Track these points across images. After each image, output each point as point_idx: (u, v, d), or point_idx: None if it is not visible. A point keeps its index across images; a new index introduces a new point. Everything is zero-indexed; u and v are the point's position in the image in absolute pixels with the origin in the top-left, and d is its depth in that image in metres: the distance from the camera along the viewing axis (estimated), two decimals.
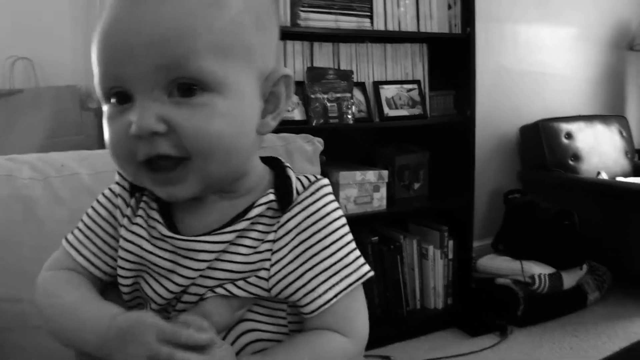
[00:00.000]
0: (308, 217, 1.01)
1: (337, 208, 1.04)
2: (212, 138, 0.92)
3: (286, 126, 1.83)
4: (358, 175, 3.58)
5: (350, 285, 1.01)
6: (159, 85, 0.90)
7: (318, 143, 1.92)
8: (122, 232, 1.04)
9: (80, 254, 1.08)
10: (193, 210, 1.03)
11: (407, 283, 3.90)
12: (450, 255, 4.04)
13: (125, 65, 0.90)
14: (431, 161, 4.17)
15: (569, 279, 4.10)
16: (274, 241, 0.99)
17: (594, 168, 4.91)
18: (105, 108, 0.96)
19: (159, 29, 0.89)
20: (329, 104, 3.47)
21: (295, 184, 1.05)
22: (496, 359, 3.55)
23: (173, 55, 0.89)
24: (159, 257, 1.00)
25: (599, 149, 5.01)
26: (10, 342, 1.42)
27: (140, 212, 1.04)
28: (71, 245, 1.09)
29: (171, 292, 1.00)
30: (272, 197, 1.01)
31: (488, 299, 4.04)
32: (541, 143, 4.80)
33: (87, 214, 1.11)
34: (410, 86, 3.88)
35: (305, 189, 1.04)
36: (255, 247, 0.99)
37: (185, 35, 0.89)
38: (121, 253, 1.03)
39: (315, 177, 1.08)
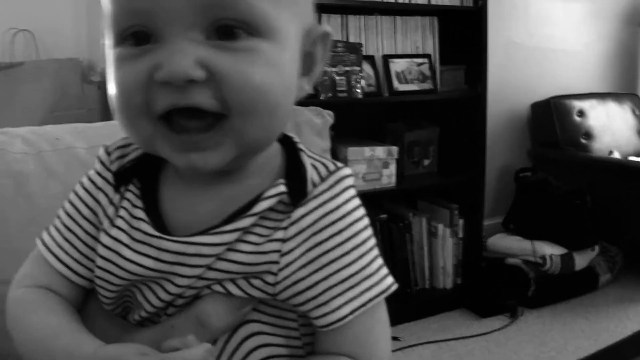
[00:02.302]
0: (325, 215, 0.84)
1: (360, 206, 0.87)
2: (257, 90, 0.76)
3: None
4: (367, 151, 3.53)
5: (370, 300, 0.86)
6: (197, 25, 0.75)
7: (328, 116, 1.83)
8: (102, 237, 0.88)
9: (59, 260, 0.92)
10: (185, 198, 0.87)
11: (415, 262, 3.86)
12: (460, 234, 3.99)
13: (153, 1, 0.74)
14: (441, 137, 4.11)
15: (581, 260, 4.08)
16: (283, 240, 0.83)
17: (606, 147, 4.85)
18: (115, 51, 0.80)
19: None
20: (337, 78, 3.40)
21: (311, 173, 0.88)
22: (506, 341, 3.53)
23: None
24: (143, 266, 0.84)
25: (611, 127, 4.95)
26: None
27: (122, 212, 0.88)
28: (48, 249, 0.93)
29: (162, 300, 0.86)
30: (282, 187, 0.84)
31: (498, 279, 4.01)
32: (553, 120, 4.73)
33: (65, 211, 0.94)
34: (420, 60, 3.81)
35: (322, 179, 0.87)
36: (259, 245, 0.83)
37: None
38: (99, 262, 0.88)
39: (335, 164, 0.90)
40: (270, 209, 0.84)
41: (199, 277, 0.83)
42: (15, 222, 1.36)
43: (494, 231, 4.34)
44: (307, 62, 0.88)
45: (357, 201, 0.87)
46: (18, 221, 1.36)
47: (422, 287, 3.94)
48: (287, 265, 0.83)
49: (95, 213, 0.91)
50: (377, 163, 3.56)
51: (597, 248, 4.18)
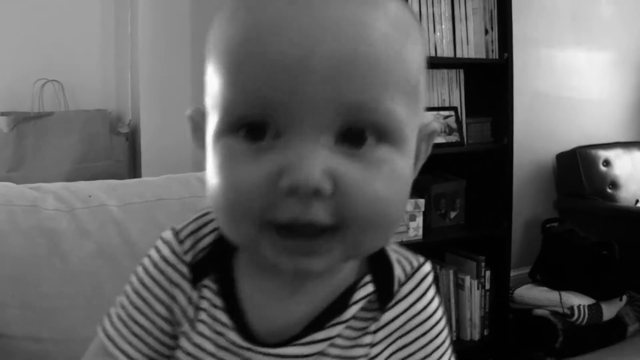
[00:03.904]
0: (413, 317, 0.81)
1: (440, 304, 0.85)
2: (382, 205, 0.69)
3: None
4: None
5: None
6: (329, 127, 0.67)
7: None
8: (183, 342, 0.81)
9: (129, 357, 0.82)
10: (268, 294, 0.80)
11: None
12: (487, 286, 3.94)
13: (290, 90, 0.66)
14: (468, 189, 4.08)
15: (609, 310, 4.02)
16: (371, 345, 0.80)
17: (632, 196, 4.83)
18: (223, 141, 0.71)
19: (351, 49, 0.66)
20: None
21: (397, 269, 0.83)
22: None
23: (363, 90, 0.66)
24: None
25: (637, 177, 4.93)
26: None
27: (202, 315, 0.80)
28: (115, 344, 0.83)
29: None
30: (371, 287, 0.80)
31: (525, 331, 3.97)
32: (579, 170, 4.72)
33: (132, 303, 0.83)
34: (447, 113, 3.81)
35: (407, 277, 0.83)
36: (348, 349, 0.79)
37: (384, 65, 0.67)
38: None
39: (418, 260, 0.86)
40: (359, 312, 0.80)
41: None
42: (49, 281, 1.36)
43: (520, 282, 4.28)
44: (416, 155, 0.79)
45: (438, 300, 0.85)
46: (52, 280, 1.36)
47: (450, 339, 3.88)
48: None
49: (170, 311, 0.82)
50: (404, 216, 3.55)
51: (624, 298, 4.12)
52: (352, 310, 0.79)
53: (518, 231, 4.56)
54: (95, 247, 1.42)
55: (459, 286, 3.88)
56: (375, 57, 0.67)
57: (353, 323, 0.79)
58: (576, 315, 3.88)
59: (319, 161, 0.65)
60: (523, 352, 3.83)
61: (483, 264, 3.91)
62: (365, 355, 0.79)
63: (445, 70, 3.87)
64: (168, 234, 0.85)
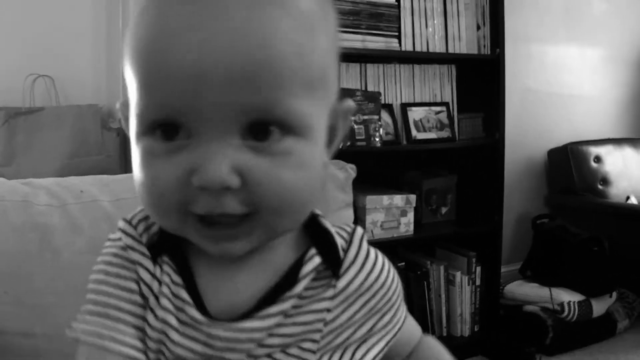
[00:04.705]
0: (367, 276, 0.89)
1: (382, 256, 0.94)
2: (289, 192, 0.76)
3: None
4: (385, 199, 3.52)
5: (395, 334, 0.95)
6: (234, 127, 0.73)
7: (351, 170, 1.83)
8: (149, 317, 0.83)
9: (124, 344, 0.82)
10: (220, 272, 0.85)
11: (433, 309, 3.84)
12: (478, 282, 3.96)
13: (192, 97, 0.71)
14: (459, 185, 4.11)
15: (599, 307, 4.04)
16: (328, 310, 0.85)
17: (623, 192, 4.83)
18: (142, 141, 0.78)
19: (247, 55, 0.71)
20: (356, 126, 3.40)
21: (337, 238, 0.90)
22: None
23: (264, 93, 0.72)
24: (192, 351, 0.81)
25: (628, 173, 4.94)
26: None
27: (164, 289, 0.83)
28: (100, 336, 0.82)
29: None
30: (317, 259, 0.86)
31: (516, 327, 3.99)
32: (570, 167, 4.73)
33: (103, 292, 0.85)
34: (438, 108, 3.83)
35: (348, 243, 0.90)
36: (303, 316, 0.84)
37: (279, 67, 0.72)
38: (150, 344, 0.83)
39: (348, 225, 0.94)
40: (310, 283, 0.85)
41: (248, 355, 0.82)
42: (40, 277, 1.37)
43: (511, 278, 4.30)
44: (330, 134, 0.86)
45: (378, 253, 0.94)
46: (43, 275, 1.37)
47: (440, 335, 3.89)
48: (331, 331, 0.86)
49: (140, 290, 0.84)
50: (395, 211, 3.56)
51: (614, 294, 4.14)
52: (303, 283, 0.84)
53: (509, 227, 4.57)
54: (87, 243, 1.42)
55: (450, 282, 3.89)
56: (270, 61, 0.72)
57: (305, 293, 0.85)
58: (566, 312, 3.89)
59: (226, 159, 0.72)
60: (513, 348, 3.83)
61: (474, 260, 3.92)
62: (321, 320, 0.85)
63: (437, 66, 3.88)
64: (121, 223, 0.90)
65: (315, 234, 0.90)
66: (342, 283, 0.87)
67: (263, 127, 0.74)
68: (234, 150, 0.73)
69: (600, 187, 4.78)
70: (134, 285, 0.84)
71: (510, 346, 3.84)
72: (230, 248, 0.78)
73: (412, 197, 3.63)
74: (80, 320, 0.84)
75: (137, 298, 0.84)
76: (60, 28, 3.49)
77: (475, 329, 4.00)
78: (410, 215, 3.63)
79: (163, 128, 0.75)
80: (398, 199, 3.56)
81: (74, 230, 1.44)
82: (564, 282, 4.04)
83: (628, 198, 4.79)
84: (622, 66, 5.41)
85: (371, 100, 3.49)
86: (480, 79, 3.98)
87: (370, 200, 3.49)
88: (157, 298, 0.83)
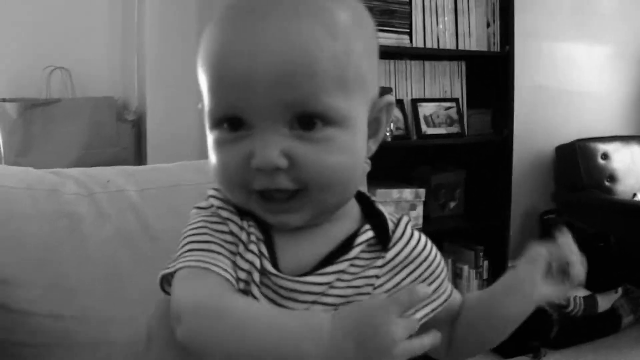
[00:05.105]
0: (412, 250, 1.02)
1: (427, 238, 1.07)
2: (332, 172, 0.91)
3: None
4: (394, 193, 3.58)
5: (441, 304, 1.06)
6: (282, 119, 0.89)
7: (365, 164, 1.88)
8: (238, 260, 0.93)
9: (226, 270, 0.91)
10: (293, 241, 0.98)
11: None
12: (485, 275, 4.00)
13: (247, 97, 0.89)
14: (467, 180, 4.14)
15: (604, 302, 4.06)
16: (377, 276, 0.99)
17: (630, 189, 4.84)
18: (214, 133, 0.95)
19: (286, 61, 0.87)
20: None
21: (389, 221, 1.04)
22: None
23: (302, 91, 0.88)
24: (262, 294, 0.93)
25: (635, 170, 4.94)
26: (53, 358, 1.40)
27: (252, 237, 0.95)
28: (204, 261, 0.91)
29: None
30: (370, 233, 0.99)
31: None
32: (577, 163, 4.74)
33: (202, 240, 0.95)
34: (448, 104, 3.87)
35: (395, 225, 1.03)
36: (354, 281, 0.98)
37: (314, 69, 0.88)
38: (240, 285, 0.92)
39: (397, 213, 1.08)
40: (362, 251, 0.98)
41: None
42: (69, 262, 1.41)
43: None
44: (374, 126, 1.01)
45: (419, 233, 1.06)
46: (72, 261, 1.41)
47: None
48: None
49: (232, 239, 0.95)
50: (404, 205, 3.61)
51: (620, 290, 4.16)
52: (356, 250, 0.98)
53: (516, 222, 4.58)
54: (114, 231, 1.47)
55: (457, 275, 3.93)
56: (306, 64, 0.87)
57: (356, 262, 0.98)
58: (572, 306, 3.91)
59: (276, 145, 0.88)
60: (519, 341, 3.85)
61: (481, 254, 3.97)
62: (371, 285, 0.98)
63: (447, 62, 3.93)
64: (211, 191, 1.03)
65: (370, 214, 1.04)
66: (390, 255, 1.00)
67: (308, 119, 0.89)
68: (283, 138, 0.89)
69: (607, 183, 4.79)
70: (228, 236, 0.96)
71: (515, 339, 3.85)
72: (286, 219, 0.94)
73: (422, 192, 3.69)
74: (177, 260, 0.94)
75: (231, 246, 0.95)
76: (77, 21, 3.53)
77: None
78: (419, 209, 3.69)
79: (229, 122, 0.92)
80: (407, 193, 3.62)
81: (102, 219, 1.48)
82: None
83: (635, 195, 4.80)
84: (631, 63, 5.42)
85: (382, 95, 3.50)
86: (490, 76, 4.02)
87: (380, 194, 3.53)
88: (245, 245, 0.95)
